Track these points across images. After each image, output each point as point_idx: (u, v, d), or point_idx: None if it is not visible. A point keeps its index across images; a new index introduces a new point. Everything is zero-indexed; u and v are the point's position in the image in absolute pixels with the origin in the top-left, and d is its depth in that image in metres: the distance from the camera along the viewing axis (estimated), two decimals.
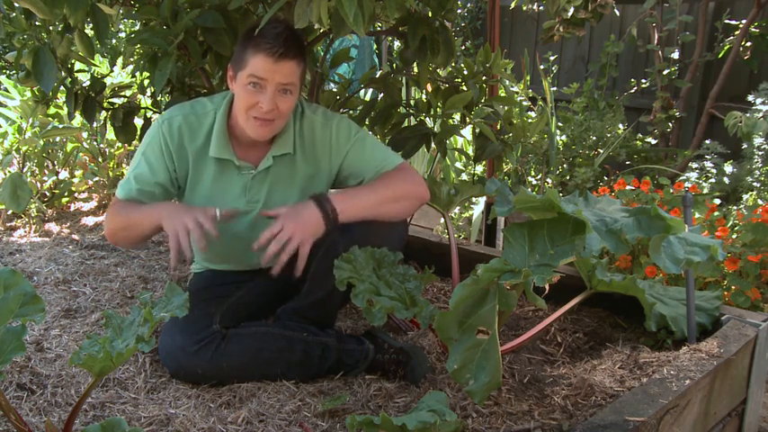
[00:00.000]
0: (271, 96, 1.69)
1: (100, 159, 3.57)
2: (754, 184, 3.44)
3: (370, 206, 1.79)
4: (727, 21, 4.03)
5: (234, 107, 1.80)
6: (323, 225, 1.71)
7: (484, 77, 2.32)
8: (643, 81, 4.32)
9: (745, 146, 3.60)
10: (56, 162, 3.47)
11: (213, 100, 1.87)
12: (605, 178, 3.74)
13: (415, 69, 2.27)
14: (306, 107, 1.91)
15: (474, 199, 3.40)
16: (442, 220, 3.09)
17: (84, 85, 2.38)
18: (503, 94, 2.90)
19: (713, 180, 3.55)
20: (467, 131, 3.03)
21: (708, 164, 3.64)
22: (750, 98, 3.58)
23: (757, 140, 3.51)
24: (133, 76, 2.64)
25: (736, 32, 3.92)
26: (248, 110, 1.73)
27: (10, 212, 3.16)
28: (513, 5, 3.70)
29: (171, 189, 1.88)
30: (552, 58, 4.78)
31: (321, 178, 1.92)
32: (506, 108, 2.44)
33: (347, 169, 1.92)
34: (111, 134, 3.44)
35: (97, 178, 3.54)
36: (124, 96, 2.53)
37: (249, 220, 1.89)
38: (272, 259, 1.70)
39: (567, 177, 3.70)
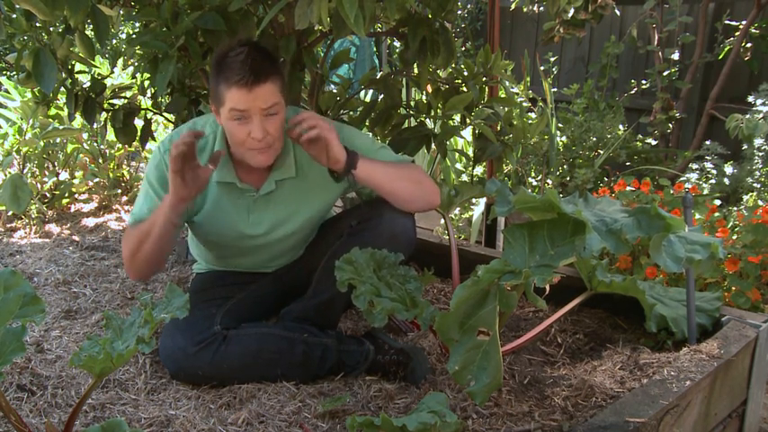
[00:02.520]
0: (258, 125, 1.66)
1: (100, 160, 3.57)
2: (755, 185, 3.43)
3: (388, 173, 1.79)
4: (727, 21, 4.03)
5: (230, 143, 1.77)
6: (343, 154, 1.70)
7: (484, 78, 2.32)
8: (643, 82, 4.32)
9: (745, 147, 3.60)
10: (56, 163, 3.47)
11: (210, 121, 1.83)
12: (605, 179, 3.74)
13: (416, 70, 2.27)
14: None
15: (474, 200, 3.40)
16: (442, 221, 3.09)
17: (84, 86, 2.38)
18: (503, 95, 2.90)
19: (713, 181, 3.54)
20: (467, 132, 3.04)
21: (708, 165, 3.64)
22: (750, 99, 3.58)
23: (757, 141, 3.50)
24: (133, 77, 2.64)
25: (737, 33, 3.92)
26: (242, 144, 1.70)
27: (10, 213, 3.16)
28: (513, 6, 3.70)
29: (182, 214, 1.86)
30: (552, 59, 4.78)
31: (331, 192, 1.91)
32: (506, 109, 2.44)
33: None
34: (111, 135, 3.44)
35: (97, 179, 3.54)
36: (124, 97, 2.53)
37: (253, 240, 1.89)
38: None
39: (568, 178, 3.70)
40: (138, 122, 2.51)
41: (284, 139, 1.78)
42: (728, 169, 3.59)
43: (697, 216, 2.48)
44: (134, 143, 2.55)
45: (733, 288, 2.17)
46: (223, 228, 1.86)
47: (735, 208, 3.04)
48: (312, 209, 1.90)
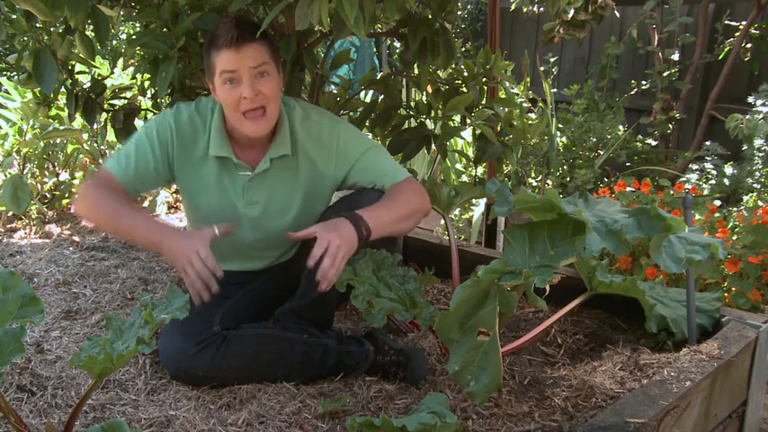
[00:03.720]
0: (249, 84, 1.69)
1: (100, 161, 3.57)
2: (755, 185, 3.43)
3: (390, 224, 1.79)
4: (727, 22, 4.03)
5: (225, 113, 1.80)
6: (357, 242, 1.69)
7: (484, 79, 2.32)
8: (643, 82, 4.32)
9: (745, 147, 3.60)
10: (56, 163, 3.47)
11: (214, 100, 1.87)
12: (605, 180, 3.74)
13: (416, 71, 2.27)
14: (312, 111, 1.91)
15: (474, 200, 3.40)
16: (443, 222, 3.09)
17: (84, 86, 2.38)
18: (503, 96, 2.90)
19: (713, 181, 3.54)
20: (467, 133, 3.05)
21: (708, 165, 3.64)
22: (750, 99, 3.58)
23: (757, 142, 3.50)
24: (133, 77, 2.63)
25: (737, 34, 3.92)
26: (236, 108, 1.72)
27: (10, 214, 3.16)
28: (513, 7, 3.69)
29: (165, 176, 1.87)
30: (552, 59, 4.79)
31: (326, 181, 1.91)
32: (507, 110, 2.44)
33: (354, 177, 1.90)
34: (111, 136, 3.45)
35: None
36: (124, 98, 2.53)
37: (249, 222, 1.90)
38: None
39: (568, 179, 3.70)
40: (139, 123, 2.51)
41: (281, 113, 1.81)
42: (728, 170, 3.59)
43: (697, 217, 2.48)
44: None
45: (733, 289, 2.17)
46: (219, 206, 1.87)
47: (735, 208, 3.04)
48: (308, 195, 1.90)
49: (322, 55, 2.50)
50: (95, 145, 3.56)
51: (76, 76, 2.35)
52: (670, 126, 4.07)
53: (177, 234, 1.72)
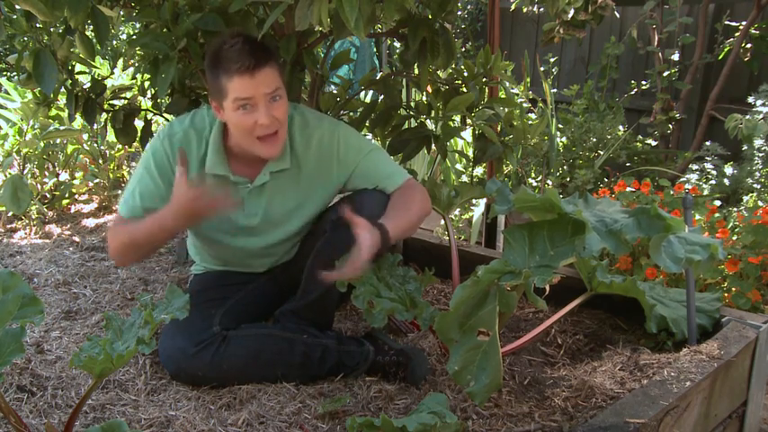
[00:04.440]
0: (264, 110, 1.66)
1: (100, 161, 3.58)
2: (755, 185, 3.43)
3: (404, 231, 1.82)
4: (727, 22, 4.03)
5: (232, 133, 1.77)
6: (382, 249, 1.69)
7: (484, 79, 2.32)
8: (643, 83, 4.32)
9: (745, 147, 3.60)
10: (56, 164, 3.47)
11: (211, 113, 1.83)
12: (605, 180, 3.74)
13: (416, 71, 2.27)
14: (310, 117, 1.89)
15: (474, 200, 3.40)
16: (443, 222, 3.09)
17: (84, 86, 2.38)
18: (503, 96, 2.90)
19: (713, 182, 3.54)
20: (467, 133, 3.05)
21: (708, 165, 3.64)
22: (750, 100, 3.58)
23: (757, 142, 3.50)
24: (134, 77, 2.63)
25: (737, 34, 3.92)
26: (250, 133, 1.70)
27: (10, 214, 3.16)
28: (513, 7, 3.69)
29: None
30: (552, 59, 4.79)
31: (327, 187, 1.90)
32: (507, 110, 2.44)
33: (356, 180, 1.89)
34: (111, 136, 3.45)
35: (98, 180, 3.54)
36: (124, 98, 2.53)
37: (248, 231, 1.89)
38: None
39: (568, 179, 3.70)
40: (139, 123, 2.51)
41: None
42: (728, 170, 3.59)
43: (697, 217, 2.48)
44: (134, 144, 2.55)
45: (733, 289, 2.17)
46: (218, 219, 1.85)
47: (735, 209, 3.04)
48: (308, 203, 1.90)
49: (322, 55, 2.50)
50: (95, 145, 3.57)
51: (76, 76, 2.35)
52: (670, 126, 4.07)
53: (166, 209, 1.68)
